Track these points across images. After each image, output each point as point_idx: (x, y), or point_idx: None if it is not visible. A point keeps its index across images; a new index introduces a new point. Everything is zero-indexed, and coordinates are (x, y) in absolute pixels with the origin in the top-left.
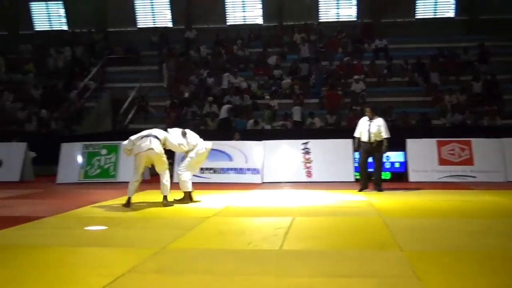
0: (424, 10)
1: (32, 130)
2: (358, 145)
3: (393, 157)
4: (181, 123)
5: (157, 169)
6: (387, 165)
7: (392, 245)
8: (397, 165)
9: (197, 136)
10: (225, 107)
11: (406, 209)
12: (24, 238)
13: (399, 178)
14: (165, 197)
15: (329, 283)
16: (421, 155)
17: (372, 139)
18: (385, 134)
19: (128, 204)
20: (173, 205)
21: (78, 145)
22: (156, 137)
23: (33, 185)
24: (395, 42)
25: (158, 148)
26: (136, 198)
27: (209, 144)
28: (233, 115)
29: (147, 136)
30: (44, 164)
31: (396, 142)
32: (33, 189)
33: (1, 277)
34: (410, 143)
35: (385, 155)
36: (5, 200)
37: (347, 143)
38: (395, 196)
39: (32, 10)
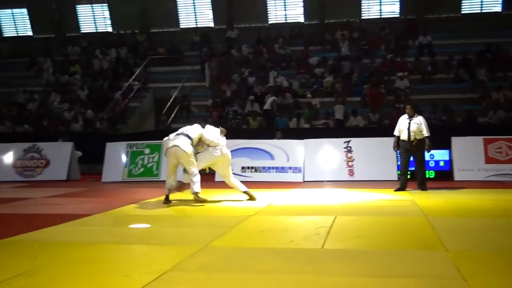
0: (470, 5)
1: (78, 130)
2: (397, 144)
3: (438, 155)
4: (223, 122)
5: (184, 167)
6: (431, 164)
7: (436, 245)
8: (441, 163)
9: (223, 140)
10: (270, 99)
11: (451, 208)
12: (71, 235)
13: (444, 177)
14: (195, 193)
15: (372, 283)
16: (467, 153)
17: (412, 138)
18: (426, 132)
19: (166, 201)
20: (204, 203)
21: (122, 145)
22: (187, 135)
23: (79, 183)
24: (439, 38)
25: (185, 145)
26: (179, 196)
27: (228, 153)
28: (277, 108)
29: (179, 133)
30: (89, 163)
31: (441, 140)
32: (79, 187)
33: (50, 272)
34: (456, 141)
35: (429, 153)
36: (53, 198)
37: (390, 141)
38: (440, 195)
39: (79, 13)
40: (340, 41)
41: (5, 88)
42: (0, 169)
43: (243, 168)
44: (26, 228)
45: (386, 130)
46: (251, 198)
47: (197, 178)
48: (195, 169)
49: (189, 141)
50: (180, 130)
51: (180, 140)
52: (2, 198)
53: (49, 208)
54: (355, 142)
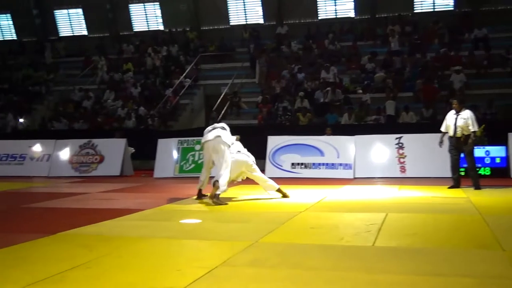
0: None
1: (131, 126)
2: (442, 140)
3: (494, 152)
4: (273, 119)
5: (216, 164)
6: (487, 161)
7: (493, 244)
8: (498, 160)
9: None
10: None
11: (508, 207)
12: (125, 229)
13: (500, 174)
14: (216, 196)
15: (425, 282)
16: None
17: (459, 133)
18: (472, 127)
19: (199, 196)
20: (221, 204)
21: (174, 141)
22: (222, 127)
23: (132, 179)
24: (495, 31)
25: (216, 138)
26: (229, 193)
27: (240, 158)
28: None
29: (214, 128)
30: (142, 159)
31: (497, 136)
32: (132, 183)
33: (105, 265)
34: None
35: (484, 149)
36: (108, 193)
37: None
38: (496, 193)
39: (131, 12)
40: (390, 36)
41: (62, 86)
42: (57, 164)
43: (292, 164)
44: (82, 222)
45: (440, 126)
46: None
47: (224, 180)
48: (224, 166)
49: (224, 131)
50: (211, 127)
51: (212, 134)
52: (60, 193)
53: (104, 202)
54: (407, 138)
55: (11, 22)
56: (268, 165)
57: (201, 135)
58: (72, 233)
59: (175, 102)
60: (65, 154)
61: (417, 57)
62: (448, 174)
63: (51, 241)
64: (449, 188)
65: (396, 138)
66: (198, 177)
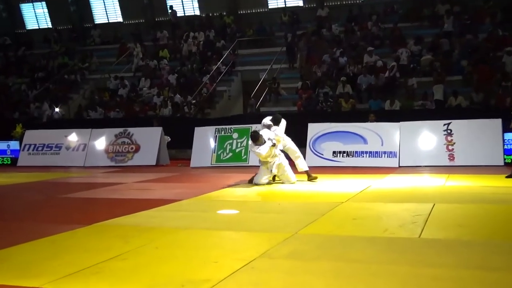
0: None
1: (167, 114)
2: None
3: None
4: (313, 105)
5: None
6: None
7: None
8: None
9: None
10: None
11: None
12: (162, 220)
13: None
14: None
15: (474, 276)
16: None
17: None
18: None
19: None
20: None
21: (211, 129)
22: (267, 125)
23: (168, 168)
24: None
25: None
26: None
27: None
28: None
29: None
30: (178, 148)
31: None
32: (168, 172)
33: (142, 257)
34: None
35: None
36: (144, 183)
37: (496, 123)
38: None
39: None
40: (445, 16)
41: (97, 74)
42: (93, 154)
43: (334, 153)
44: (119, 212)
45: (492, 110)
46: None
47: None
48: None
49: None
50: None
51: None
52: (96, 183)
53: (140, 193)
54: (456, 124)
55: (46, 11)
56: (308, 153)
57: (239, 123)
58: (108, 223)
59: (212, 89)
60: (101, 143)
61: (467, 38)
62: (501, 162)
63: (87, 232)
64: (507, 177)
65: (444, 124)
66: (236, 166)
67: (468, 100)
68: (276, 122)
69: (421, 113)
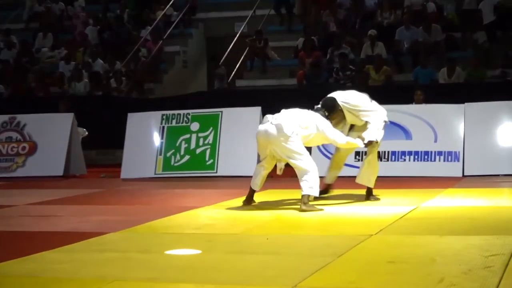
0: None
1: (81, 92)
2: None
3: None
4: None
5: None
6: None
7: None
8: None
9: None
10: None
11: None
12: (75, 266)
13: None
14: (304, 197)
15: None
16: None
17: None
18: None
19: (248, 200)
20: (316, 210)
21: (155, 116)
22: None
23: (85, 181)
24: None
25: (276, 128)
26: (263, 197)
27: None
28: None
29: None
30: (101, 147)
31: None
32: (86, 188)
33: None
34: None
35: None
36: (44, 206)
37: None
38: None
39: None
40: None
41: None
42: None
43: (356, 154)
44: (3, 255)
45: None
46: None
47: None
48: (303, 162)
49: (290, 122)
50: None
51: (274, 122)
52: None
53: (38, 222)
54: None
55: None
56: (315, 153)
57: (201, 106)
58: None
59: (156, 50)
60: None
61: None
62: None
63: None
64: None
65: None
66: (198, 176)
67: None
68: (331, 110)
69: (500, 89)
